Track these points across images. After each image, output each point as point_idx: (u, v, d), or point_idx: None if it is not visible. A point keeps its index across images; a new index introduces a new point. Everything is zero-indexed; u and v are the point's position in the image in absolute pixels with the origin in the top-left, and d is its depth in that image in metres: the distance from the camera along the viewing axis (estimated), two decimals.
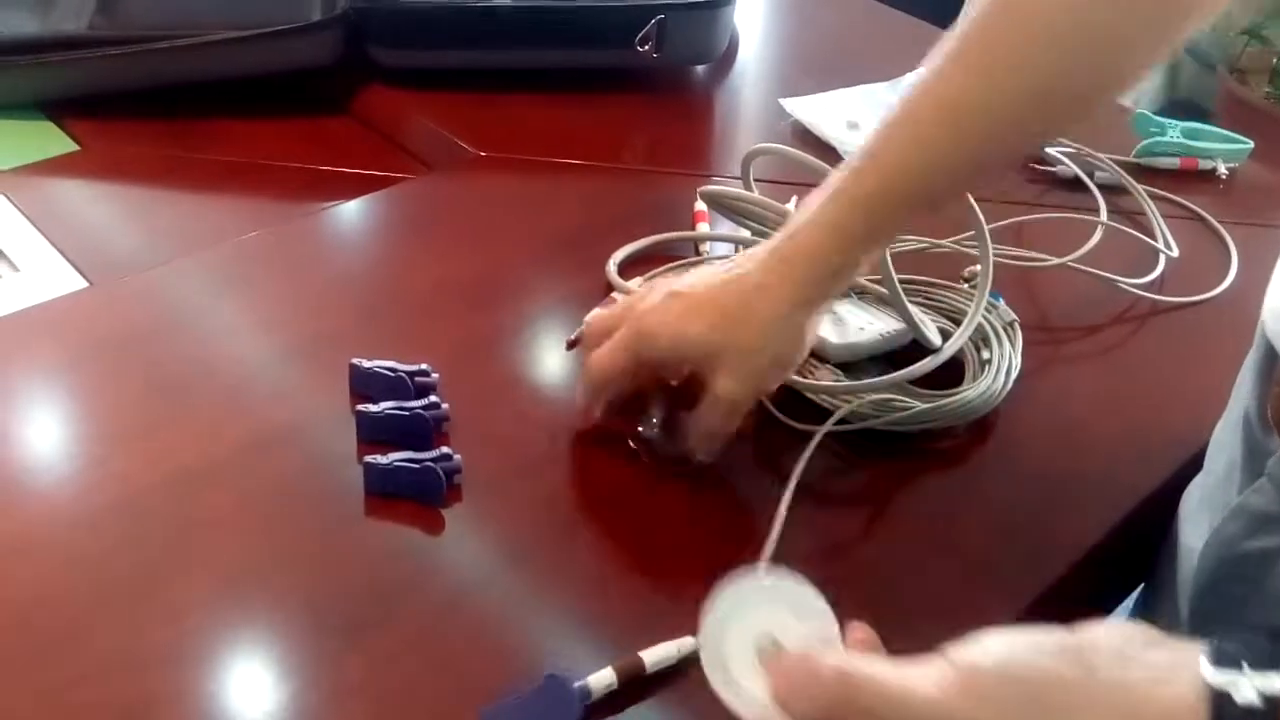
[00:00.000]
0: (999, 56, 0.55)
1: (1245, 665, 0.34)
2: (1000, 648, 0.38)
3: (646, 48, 0.98)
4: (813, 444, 0.64)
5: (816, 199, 0.59)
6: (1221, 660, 0.35)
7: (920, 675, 0.38)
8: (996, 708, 0.37)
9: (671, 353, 0.61)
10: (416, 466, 0.59)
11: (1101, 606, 0.63)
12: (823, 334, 0.70)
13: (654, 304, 0.61)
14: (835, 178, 0.59)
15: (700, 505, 0.62)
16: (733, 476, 0.64)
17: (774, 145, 0.80)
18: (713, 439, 0.62)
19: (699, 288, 0.61)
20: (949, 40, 0.56)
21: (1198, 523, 0.62)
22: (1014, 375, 0.70)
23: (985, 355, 0.71)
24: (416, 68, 0.99)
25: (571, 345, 0.70)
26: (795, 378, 0.68)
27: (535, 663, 0.53)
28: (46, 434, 0.64)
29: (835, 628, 0.44)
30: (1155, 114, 0.95)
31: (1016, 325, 0.73)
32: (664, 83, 1.04)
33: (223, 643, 0.53)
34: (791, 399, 0.67)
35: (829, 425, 0.66)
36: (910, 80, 0.59)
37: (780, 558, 0.58)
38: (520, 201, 0.87)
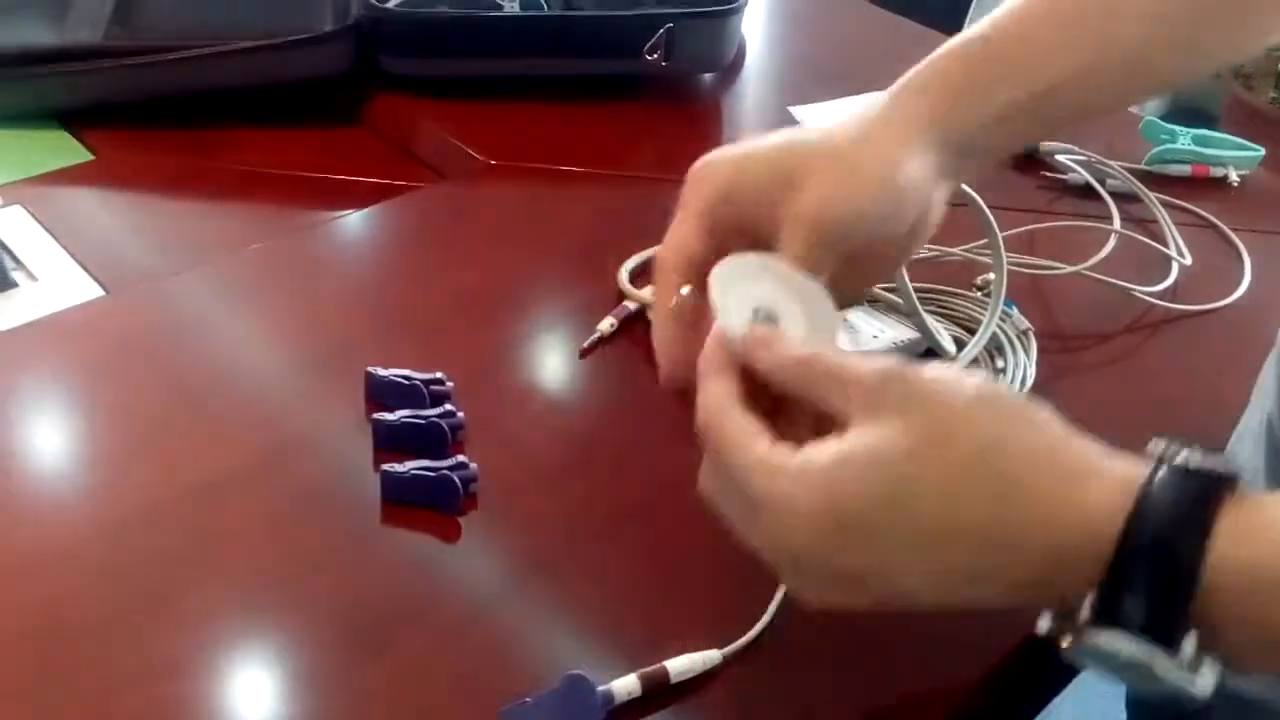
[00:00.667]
0: None
1: (1189, 451, 0.36)
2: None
3: (655, 56, 0.98)
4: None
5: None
6: (1169, 446, 0.36)
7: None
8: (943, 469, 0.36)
9: (736, 176, 0.49)
10: (433, 475, 0.60)
11: None
12: (837, 343, 0.70)
13: (706, 159, 0.52)
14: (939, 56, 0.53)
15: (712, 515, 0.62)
16: None
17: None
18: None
19: (800, 134, 0.50)
20: None
21: None
22: (1028, 384, 0.70)
23: (999, 364, 0.71)
24: (428, 77, 0.99)
25: (585, 353, 0.70)
26: None
27: (555, 672, 0.53)
28: (68, 443, 0.64)
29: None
30: (1161, 120, 0.95)
31: (1031, 334, 0.73)
32: (673, 91, 1.04)
33: (244, 652, 0.54)
34: None
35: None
36: None
37: None
38: (531, 210, 0.87)
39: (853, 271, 0.49)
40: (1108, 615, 0.34)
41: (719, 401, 0.41)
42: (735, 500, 0.40)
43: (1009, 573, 0.36)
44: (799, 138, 0.49)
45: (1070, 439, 0.37)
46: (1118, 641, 0.34)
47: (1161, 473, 0.35)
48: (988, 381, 0.38)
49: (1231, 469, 0.35)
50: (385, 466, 0.60)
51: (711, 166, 0.50)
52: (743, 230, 0.49)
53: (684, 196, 0.50)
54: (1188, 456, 0.36)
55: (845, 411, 0.38)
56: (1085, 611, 0.35)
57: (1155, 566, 0.33)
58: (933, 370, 0.38)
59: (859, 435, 0.36)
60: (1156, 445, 0.36)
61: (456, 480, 0.59)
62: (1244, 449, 0.61)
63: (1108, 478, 0.35)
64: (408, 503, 0.60)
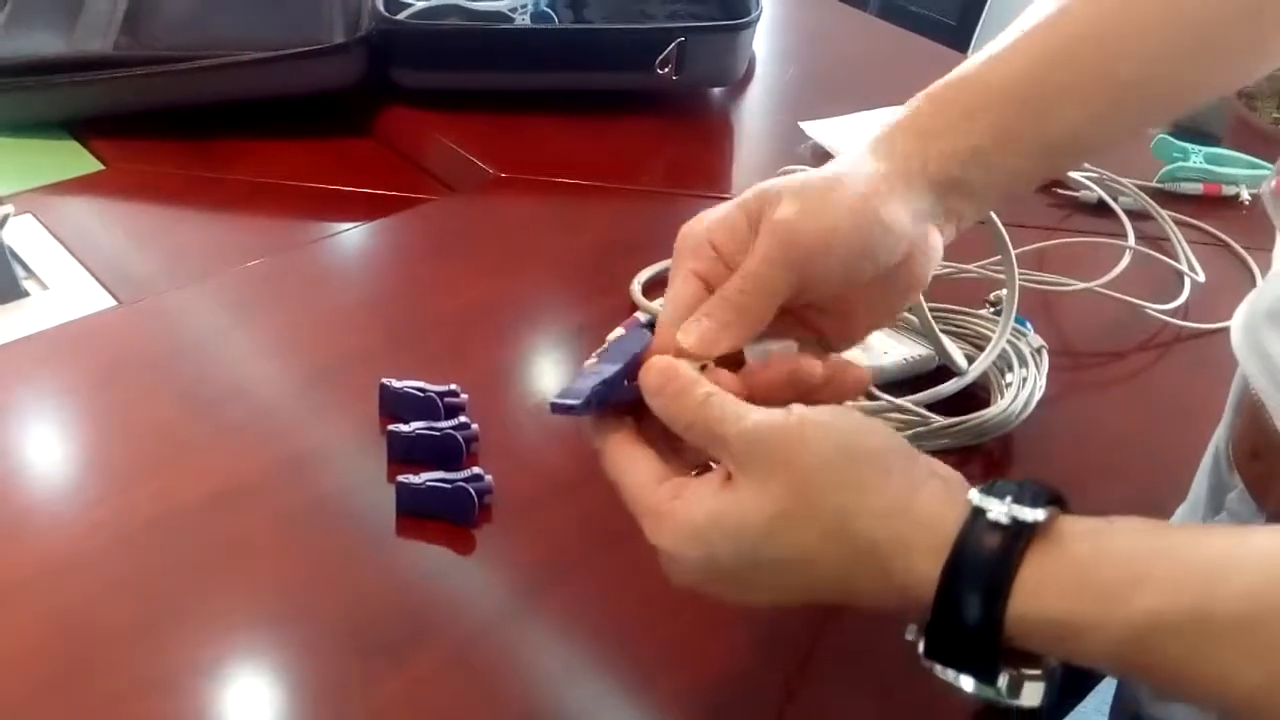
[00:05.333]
0: None
1: (1009, 499, 0.39)
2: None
3: (666, 70, 0.98)
4: None
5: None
6: (990, 491, 0.40)
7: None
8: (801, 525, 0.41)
9: (716, 223, 0.48)
10: (448, 487, 0.59)
11: None
12: (848, 358, 0.70)
13: None
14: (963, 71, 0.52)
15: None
16: None
17: (801, 167, 0.80)
18: (735, 309, 0.46)
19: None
20: None
21: None
22: (1036, 397, 0.70)
23: (1009, 379, 0.71)
24: (438, 89, 0.99)
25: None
26: None
27: (571, 682, 0.53)
28: (80, 452, 0.64)
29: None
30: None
31: (1044, 351, 0.73)
32: (683, 105, 1.04)
33: (259, 662, 0.53)
34: None
35: None
36: None
37: None
38: (541, 222, 0.87)
39: (844, 313, 0.50)
40: (933, 653, 0.40)
41: (618, 447, 0.45)
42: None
43: (858, 606, 0.42)
44: (773, 180, 0.49)
45: (911, 493, 0.40)
46: (945, 671, 0.40)
47: (970, 533, 0.39)
48: (855, 427, 0.42)
49: (1039, 514, 0.38)
50: (400, 478, 0.60)
51: (693, 222, 0.50)
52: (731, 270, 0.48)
53: (674, 260, 0.49)
54: (998, 510, 0.39)
55: (726, 465, 0.42)
56: (919, 646, 0.41)
57: (961, 625, 0.38)
58: (795, 427, 0.41)
59: (731, 498, 0.41)
60: (974, 495, 0.40)
61: (471, 492, 0.59)
62: (1203, 470, 0.61)
63: (933, 539, 0.39)
64: (422, 514, 0.60)
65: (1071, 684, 0.61)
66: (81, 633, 0.53)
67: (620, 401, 0.46)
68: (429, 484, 0.59)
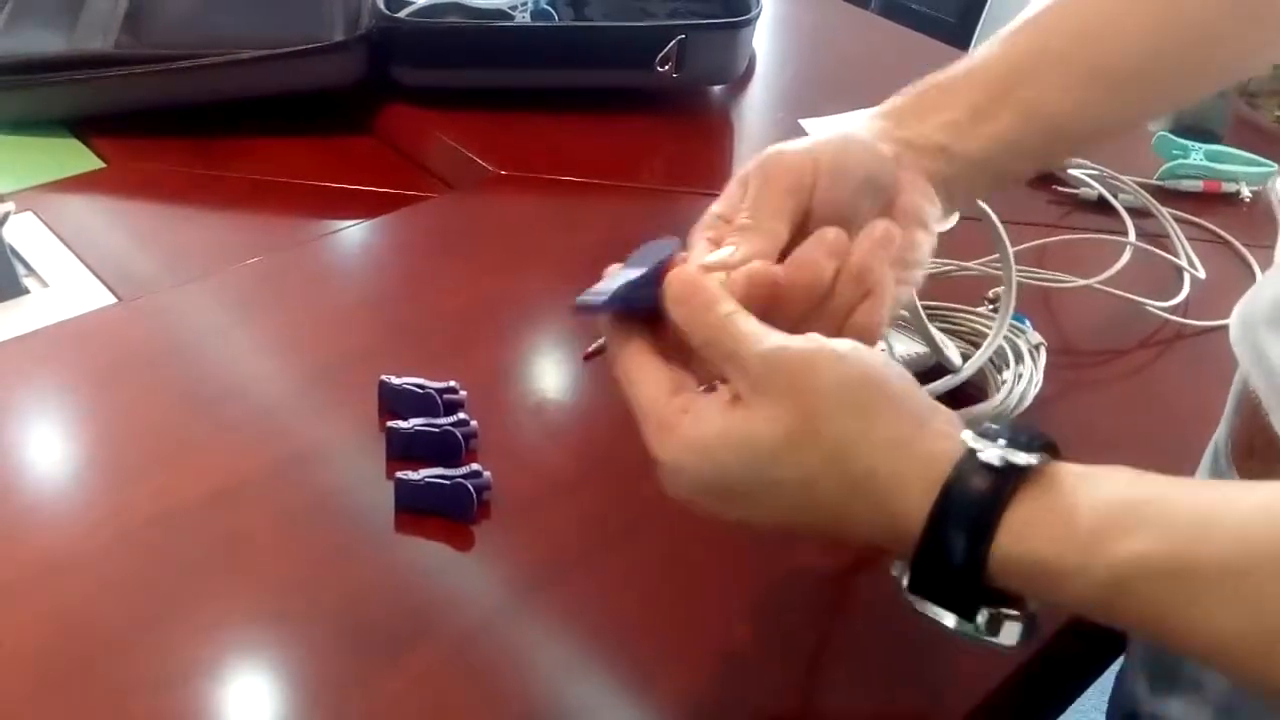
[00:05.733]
0: None
1: (1002, 441, 0.40)
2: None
3: (666, 68, 0.98)
4: None
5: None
6: (984, 433, 0.41)
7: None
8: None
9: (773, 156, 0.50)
10: (447, 483, 0.59)
11: (1123, 631, 0.63)
12: None
13: None
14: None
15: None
16: None
17: None
18: (748, 227, 0.48)
19: None
20: None
21: None
22: (1033, 392, 0.69)
23: (1004, 376, 0.71)
24: (438, 87, 0.99)
25: (589, 357, 0.71)
26: None
27: (569, 679, 0.53)
28: (80, 449, 0.64)
29: None
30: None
31: (1042, 348, 0.73)
32: (683, 102, 1.04)
33: (258, 659, 0.54)
34: None
35: None
36: None
37: (799, 572, 0.58)
38: (541, 220, 0.87)
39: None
40: (917, 588, 0.41)
41: (632, 356, 0.46)
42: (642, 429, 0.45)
43: (851, 538, 0.43)
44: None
45: (915, 430, 0.41)
46: (926, 605, 0.41)
47: (961, 473, 0.40)
48: (870, 361, 0.42)
49: (1031, 459, 0.40)
50: (399, 474, 0.60)
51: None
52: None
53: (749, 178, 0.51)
54: (990, 452, 0.40)
55: (736, 385, 0.43)
56: (903, 580, 0.42)
57: (945, 562, 0.39)
58: (813, 353, 0.42)
59: (741, 416, 0.42)
60: (968, 436, 0.41)
61: (470, 489, 0.59)
62: (1203, 469, 0.61)
63: (928, 475, 0.40)
64: (421, 511, 0.60)
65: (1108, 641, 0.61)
66: (82, 630, 0.54)
67: (642, 307, 0.46)
68: (428, 480, 0.60)
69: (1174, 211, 0.89)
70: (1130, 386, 0.75)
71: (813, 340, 0.42)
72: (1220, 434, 0.59)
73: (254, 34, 0.94)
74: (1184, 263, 0.84)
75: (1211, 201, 0.93)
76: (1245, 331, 0.52)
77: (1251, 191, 0.93)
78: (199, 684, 0.52)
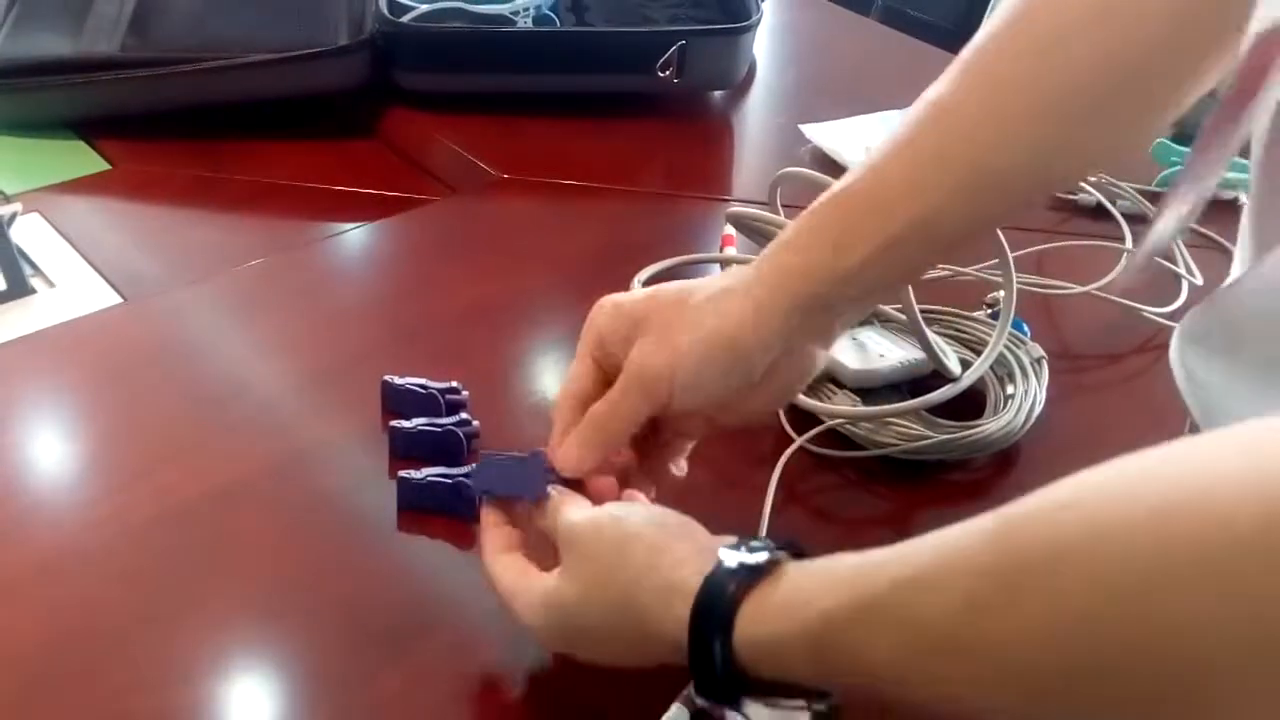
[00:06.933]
0: (1005, 68, 0.52)
1: (743, 549, 0.44)
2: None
3: (667, 73, 0.99)
4: (789, 450, 0.64)
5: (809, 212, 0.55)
6: (734, 545, 0.45)
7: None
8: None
9: (610, 320, 0.55)
10: (449, 481, 0.60)
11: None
12: (841, 359, 0.70)
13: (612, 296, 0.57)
14: (833, 186, 0.55)
15: (722, 524, 0.63)
16: (746, 496, 0.64)
17: (803, 170, 0.81)
18: (597, 426, 0.54)
19: (674, 285, 0.56)
20: (963, 52, 0.54)
21: None
22: (1036, 411, 0.70)
23: (1009, 390, 0.71)
24: (441, 91, 1.00)
25: None
26: (813, 401, 0.68)
27: (572, 677, 0.53)
28: (85, 448, 0.65)
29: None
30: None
31: (1044, 362, 0.73)
32: (684, 107, 1.05)
33: (260, 656, 0.54)
34: (808, 422, 0.68)
35: (808, 438, 0.66)
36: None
37: None
38: (543, 223, 0.88)
39: (729, 410, 0.56)
40: (704, 692, 0.44)
41: (491, 548, 0.54)
42: None
43: (664, 662, 0.47)
44: (666, 290, 0.55)
45: (679, 565, 0.46)
46: (725, 712, 0.44)
47: (710, 580, 0.44)
48: (644, 518, 0.50)
49: (760, 557, 0.44)
50: (402, 473, 0.60)
51: (597, 310, 0.56)
52: (618, 340, 0.55)
53: (581, 337, 0.57)
54: (730, 558, 0.44)
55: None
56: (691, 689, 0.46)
57: (709, 660, 0.43)
58: (597, 521, 0.50)
59: (553, 579, 0.50)
60: (721, 550, 0.45)
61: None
62: None
63: (685, 594, 0.44)
64: (423, 509, 0.60)
65: None
66: (84, 628, 0.54)
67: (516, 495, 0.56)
68: (429, 479, 0.60)
69: None
70: (1128, 391, 0.76)
71: (604, 510, 0.51)
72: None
73: (258, 38, 0.95)
74: (1181, 269, 0.85)
75: (1209, 208, 0.93)
76: (1179, 352, 0.53)
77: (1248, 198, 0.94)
78: (201, 682, 0.52)
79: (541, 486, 0.54)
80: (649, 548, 0.47)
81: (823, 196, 0.54)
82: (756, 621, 0.42)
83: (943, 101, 0.53)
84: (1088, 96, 0.52)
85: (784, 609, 0.42)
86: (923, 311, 0.70)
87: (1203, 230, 0.90)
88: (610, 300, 0.56)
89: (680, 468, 0.58)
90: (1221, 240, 0.89)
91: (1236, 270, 0.53)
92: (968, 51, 0.54)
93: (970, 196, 0.53)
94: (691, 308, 0.53)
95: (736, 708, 0.44)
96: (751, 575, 0.43)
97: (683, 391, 0.53)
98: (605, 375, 0.55)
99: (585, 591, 0.48)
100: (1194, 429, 0.54)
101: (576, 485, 0.55)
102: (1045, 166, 0.55)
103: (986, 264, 0.79)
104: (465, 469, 0.61)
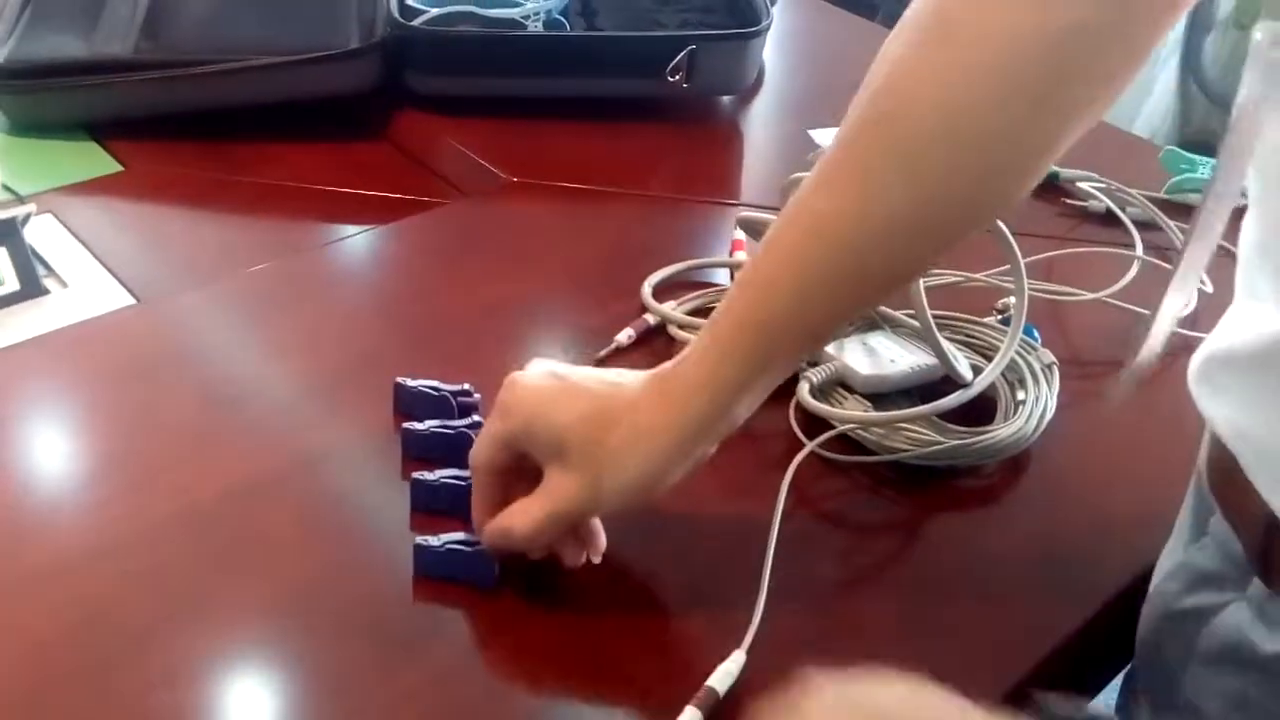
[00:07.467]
0: (871, 170, 0.52)
1: None
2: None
3: (677, 78, 0.99)
4: (800, 455, 0.65)
5: (709, 321, 0.56)
6: None
7: None
8: None
9: (524, 430, 0.56)
10: (463, 484, 0.60)
11: (1128, 650, 0.63)
12: (853, 364, 0.70)
13: (530, 377, 0.57)
14: (725, 296, 0.56)
15: (733, 528, 0.63)
16: (757, 500, 0.64)
17: (805, 175, 0.81)
18: (506, 537, 0.56)
19: (580, 376, 0.57)
20: (828, 150, 0.54)
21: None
22: (1048, 418, 0.70)
23: (1020, 396, 0.71)
24: (451, 95, 1.00)
25: (600, 362, 0.72)
26: (824, 406, 0.68)
27: (585, 678, 0.53)
28: (99, 447, 0.65)
29: None
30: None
31: (1055, 368, 0.73)
32: (693, 112, 1.05)
33: (274, 655, 0.54)
34: (820, 427, 0.68)
35: (819, 443, 0.66)
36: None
37: (803, 584, 0.59)
38: (552, 227, 0.88)
39: None
40: None
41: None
42: None
43: None
44: (582, 411, 0.55)
45: None
46: None
47: None
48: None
49: None
50: (415, 474, 0.61)
51: (523, 392, 0.56)
52: (534, 451, 0.56)
53: (498, 407, 0.57)
54: None
55: None
56: None
57: None
58: None
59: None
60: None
61: None
62: (1185, 503, 0.61)
63: None
64: (437, 511, 0.60)
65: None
66: (102, 625, 0.54)
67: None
68: (443, 481, 0.60)
69: (1181, 225, 0.89)
70: (1138, 398, 0.76)
71: None
72: (1201, 459, 0.58)
73: (271, 40, 0.95)
74: None
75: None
76: (1200, 371, 0.54)
77: None
78: (217, 679, 0.53)
79: (490, 575, 0.57)
80: None
81: (719, 319, 0.55)
82: None
83: (817, 211, 0.53)
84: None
85: None
86: (934, 317, 0.70)
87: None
88: (538, 390, 0.56)
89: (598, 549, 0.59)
90: (1231, 248, 0.89)
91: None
92: (831, 150, 0.54)
93: (852, 291, 0.55)
94: (611, 451, 0.54)
95: None
96: None
97: (599, 517, 0.58)
98: (518, 451, 0.57)
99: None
100: (1219, 458, 0.54)
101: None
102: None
103: (997, 270, 0.79)
104: None
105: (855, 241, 0.53)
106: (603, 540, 0.58)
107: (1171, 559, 0.60)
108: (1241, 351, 0.51)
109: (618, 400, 0.55)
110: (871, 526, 0.65)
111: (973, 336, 0.75)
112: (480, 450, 0.57)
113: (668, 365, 0.56)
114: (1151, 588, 0.59)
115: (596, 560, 0.58)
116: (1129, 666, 0.63)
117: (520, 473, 0.57)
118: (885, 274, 0.55)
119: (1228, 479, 0.53)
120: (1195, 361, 0.54)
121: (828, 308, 0.55)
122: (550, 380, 0.57)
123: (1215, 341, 0.53)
